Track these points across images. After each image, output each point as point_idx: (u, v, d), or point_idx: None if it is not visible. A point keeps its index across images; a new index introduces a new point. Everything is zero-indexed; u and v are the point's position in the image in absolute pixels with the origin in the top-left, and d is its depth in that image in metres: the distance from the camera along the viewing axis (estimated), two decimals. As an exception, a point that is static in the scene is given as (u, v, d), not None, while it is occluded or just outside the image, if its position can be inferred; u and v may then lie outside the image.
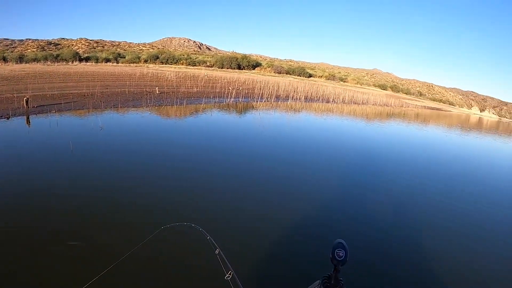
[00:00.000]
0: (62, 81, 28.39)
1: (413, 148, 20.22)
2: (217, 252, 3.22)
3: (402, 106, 60.48)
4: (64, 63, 64.06)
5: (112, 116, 17.11)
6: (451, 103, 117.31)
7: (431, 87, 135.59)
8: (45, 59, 66.07)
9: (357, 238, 7.18)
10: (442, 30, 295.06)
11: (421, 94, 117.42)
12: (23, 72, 34.93)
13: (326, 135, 20.39)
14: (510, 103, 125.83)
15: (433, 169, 15.39)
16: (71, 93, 21.62)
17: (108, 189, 8.14)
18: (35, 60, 63.28)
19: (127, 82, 30.16)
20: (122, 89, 25.89)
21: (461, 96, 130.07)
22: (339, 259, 1.97)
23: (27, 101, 16.10)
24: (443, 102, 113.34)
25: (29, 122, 14.11)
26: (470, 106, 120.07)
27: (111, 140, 12.87)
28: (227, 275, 2.73)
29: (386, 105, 53.86)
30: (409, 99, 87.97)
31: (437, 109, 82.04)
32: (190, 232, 4.27)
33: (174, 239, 5.95)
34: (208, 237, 3.61)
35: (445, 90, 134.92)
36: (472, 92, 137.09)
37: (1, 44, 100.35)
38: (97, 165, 9.87)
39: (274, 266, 5.90)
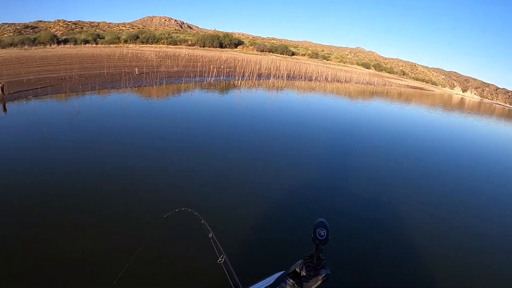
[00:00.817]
0: (39, 65, 27.70)
1: (395, 126, 20.38)
2: (210, 236, 3.25)
3: (385, 85, 60.78)
4: (42, 46, 62.34)
5: (89, 99, 16.89)
6: (433, 83, 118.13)
7: (414, 66, 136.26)
8: (22, 43, 64.27)
9: (341, 218, 7.23)
10: (426, 10, 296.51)
11: (404, 73, 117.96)
12: (-1, 58, 34.14)
13: (310, 113, 20.43)
14: (492, 84, 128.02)
15: (415, 146, 15.63)
16: (48, 77, 21.10)
17: (90, 180, 7.80)
18: (12, 45, 61.68)
19: (106, 64, 29.59)
20: (101, 71, 25.41)
21: (443, 76, 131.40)
22: (321, 238, 1.92)
23: (2, 88, 15.71)
24: (426, 82, 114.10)
25: (6, 110, 13.75)
26: (452, 86, 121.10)
27: (88, 125, 12.50)
28: (219, 259, 2.76)
29: (369, 84, 54.02)
30: (392, 78, 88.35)
31: (420, 88, 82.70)
32: (187, 218, 4.21)
33: (171, 225, 5.91)
34: (202, 221, 3.60)
35: (428, 70, 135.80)
36: (455, 72, 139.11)
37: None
38: (74, 153, 9.47)
39: (265, 247, 6.04)
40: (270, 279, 2.20)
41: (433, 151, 15.59)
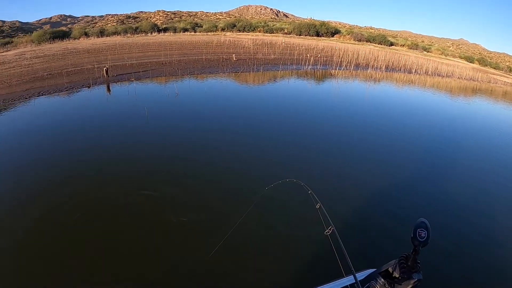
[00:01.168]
0: (140, 51, 28.87)
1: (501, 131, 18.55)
2: (317, 206, 3.13)
3: (489, 82, 56.35)
4: (143, 34, 65.35)
5: (188, 83, 17.13)
6: None
7: None
8: (125, 32, 67.80)
9: (439, 220, 6.52)
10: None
11: (511, 70, 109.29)
12: (104, 44, 35.97)
13: (410, 108, 19.24)
14: None
15: None
16: (149, 62, 21.84)
17: (192, 154, 8.28)
18: (115, 33, 65.08)
19: (204, 50, 30.08)
20: (199, 57, 25.79)
21: None
22: (421, 240, 1.87)
23: (107, 71, 16.58)
24: None
25: (110, 90, 14.53)
26: None
27: (186, 105, 12.88)
28: (327, 230, 2.65)
29: (473, 80, 50.48)
30: (497, 75, 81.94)
31: None
32: (292, 189, 4.44)
33: (278, 196, 6.11)
34: (309, 192, 3.48)
35: None
36: None
37: (83, 21, 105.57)
38: (175, 130, 9.93)
39: (369, 230, 5.93)
40: (362, 275, 2.16)
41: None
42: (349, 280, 2.24)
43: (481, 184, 8.96)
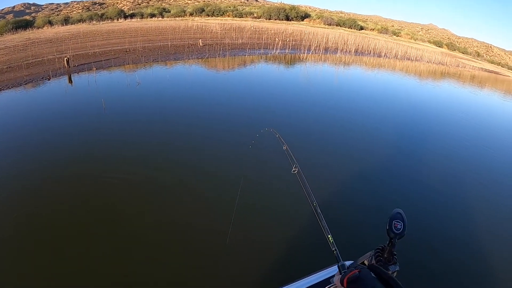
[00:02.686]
0: (104, 39, 28.16)
1: (469, 114, 18.85)
2: (284, 148, 3.07)
3: (458, 66, 57.57)
4: (109, 21, 63.68)
5: (151, 71, 16.81)
6: (510, 68, 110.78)
7: (490, 48, 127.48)
8: (90, 19, 65.90)
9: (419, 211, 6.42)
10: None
11: (478, 55, 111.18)
12: (67, 33, 34.94)
13: (380, 91, 19.37)
14: None
15: (490, 138, 14.10)
16: (113, 50, 21.31)
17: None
18: (80, 21, 63.05)
19: (170, 36, 29.54)
20: (165, 43, 25.33)
21: None
22: (396, 231, 1.81)
23: (67, 61, 16.09)
24: (501, 66, 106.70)
25: (71, 81, 14.00)
26: None
27: (148, 94, 12.55)
28: (293, 169, 2.60)
29: (441, 64, 51.36)
30: (465, 59, 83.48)
31: (495, 72, 77.37)
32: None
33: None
34: (277, 135, 3.41)
35: (505, 53, 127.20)
36: None
37: (47, 9, 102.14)
38: (134, 121, 9.57)
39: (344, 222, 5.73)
40: (337, 268, 1.91)
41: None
42: (327, 272, 2.21)
43: (451, 169, 9.04)
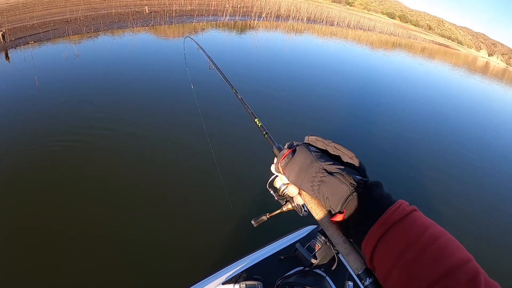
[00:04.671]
0: (45, 8, 26.35)
1: (417, 82, 19.62)
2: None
3: (409, 38, 59.18)
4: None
5: (92, 41, 16.03)
6: (459, 42, 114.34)
7: (441, 22, 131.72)
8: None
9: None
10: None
11: (430, 28, 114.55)
12: (5, 5, 32.89)
13: (330, 59, 19.57)
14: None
15: (434, 104, 15.66)
16: (53, 21, 19.95)
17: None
18: (21, -11, 60.01)
19: (114, 3, 28.28)
20: (109, 11, 24.20)
21: (470, 37, 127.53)
22: None
23: (3, 36, 14.74)
24: (451, 40, 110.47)
25: (8, 58, 12.75)
26: (478, 49, 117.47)
27: (87, 67, 11.97)
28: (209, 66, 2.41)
29: (393, 35, 52.59)
30: (417, 32, 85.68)
31: (445, 45, 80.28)
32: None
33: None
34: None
35: (456, 28, 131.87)
36: (483, 34, 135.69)
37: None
38: (70, 97, 9.06)
39: None
40: (302, 232, 2.14)
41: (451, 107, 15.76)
42: (292, 238, 2.19)
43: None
